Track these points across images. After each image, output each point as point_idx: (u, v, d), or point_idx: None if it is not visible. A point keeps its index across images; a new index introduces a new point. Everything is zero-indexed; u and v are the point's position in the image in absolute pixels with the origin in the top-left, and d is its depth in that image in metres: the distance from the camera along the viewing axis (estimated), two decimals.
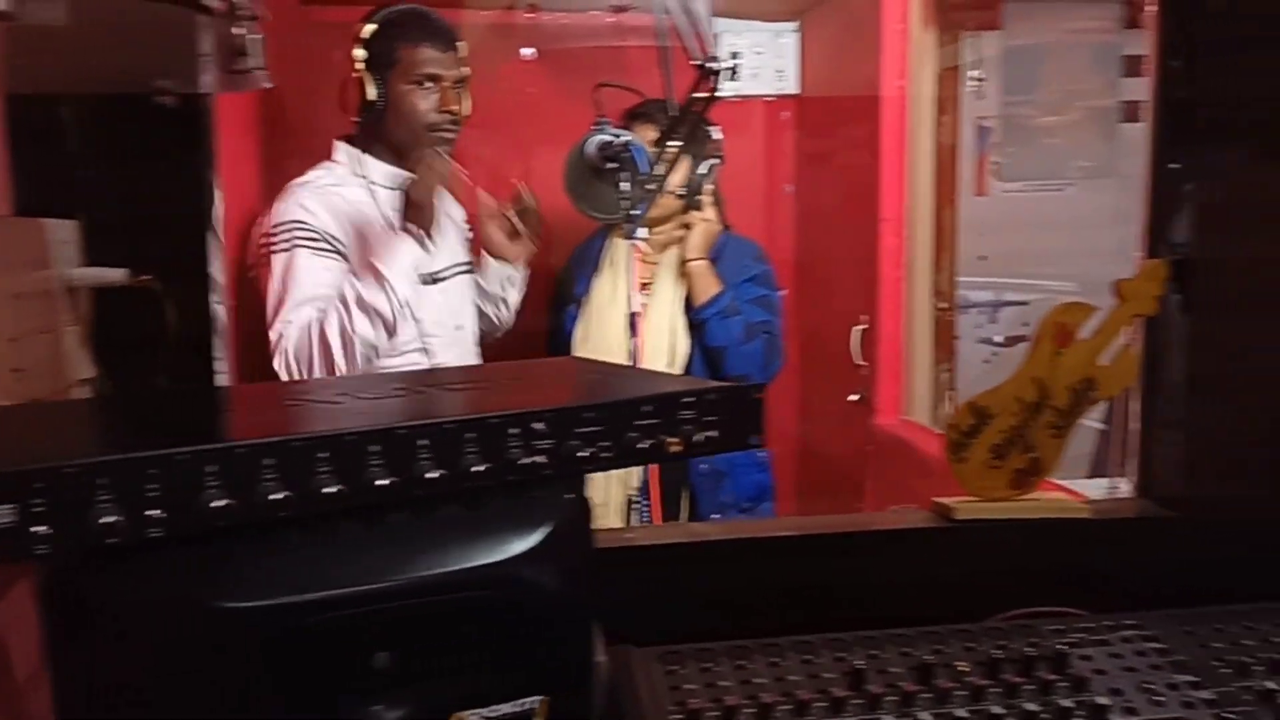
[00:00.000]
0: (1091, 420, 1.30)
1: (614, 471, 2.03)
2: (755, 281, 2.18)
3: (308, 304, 1.74)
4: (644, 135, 1.89)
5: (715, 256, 2.15)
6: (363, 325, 1.73)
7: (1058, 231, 2.23)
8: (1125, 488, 1.26)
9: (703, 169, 2.11)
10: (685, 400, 0.75)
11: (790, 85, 2.69)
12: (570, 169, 1.86)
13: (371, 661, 0.61)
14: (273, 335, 1.74)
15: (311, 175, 1.88)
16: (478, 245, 2.04)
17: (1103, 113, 1.27)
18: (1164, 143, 1.17)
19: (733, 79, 1.41)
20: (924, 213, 2.32)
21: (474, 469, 0.66)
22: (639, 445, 0.73)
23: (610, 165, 1.77)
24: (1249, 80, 1.12)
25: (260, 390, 1.07)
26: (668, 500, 2.11)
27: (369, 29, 1.83)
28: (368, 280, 1.74)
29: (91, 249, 0.94)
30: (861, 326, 2.39)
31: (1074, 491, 1.34)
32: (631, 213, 1.73)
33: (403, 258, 1.77)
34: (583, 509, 0.70)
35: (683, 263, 2.12)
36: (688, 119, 1.54)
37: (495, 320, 2.10)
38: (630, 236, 1.74)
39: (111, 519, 0.56)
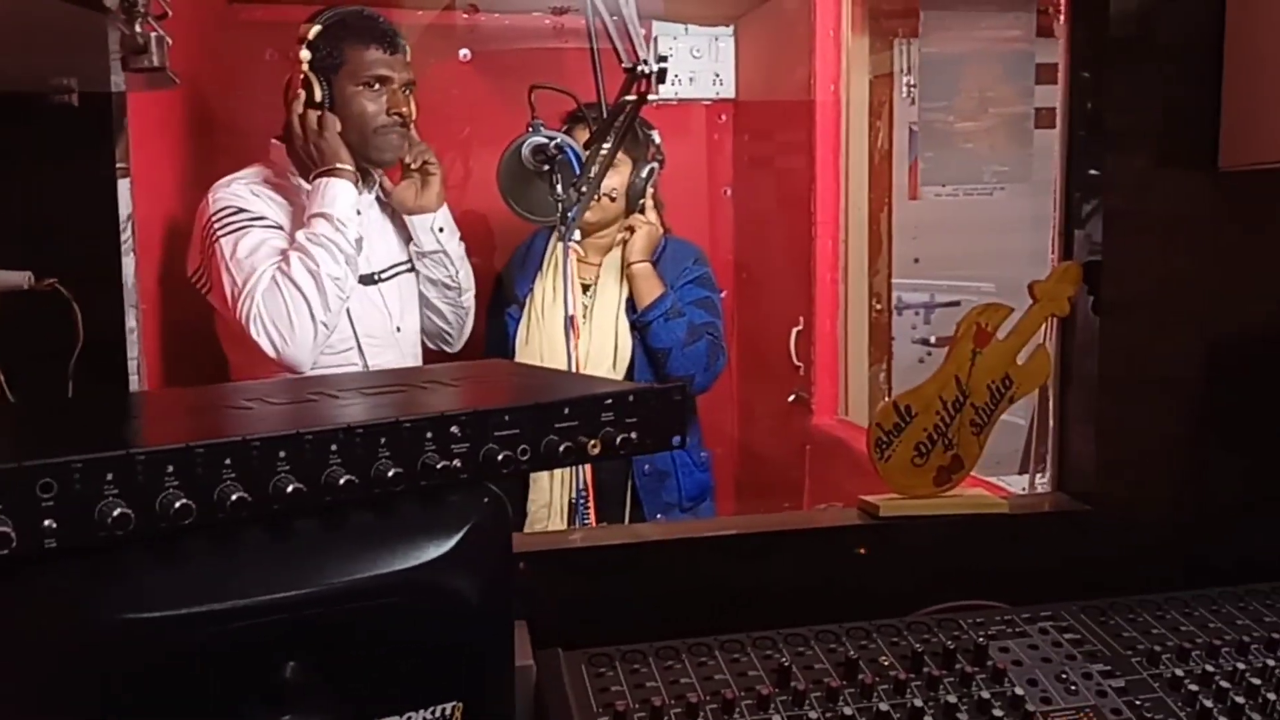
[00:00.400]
0: (1016, 417, 1.33)
1: (558, 474, 2.03)
2: (697, 283, 2.20)
3: (262, 269, 1.71)
4: (582, 138, 1.89)
5: (656, 259, 2.16)
6: (325, 260, 1.71)
7: (987, 234, 2.28)
8: (1046, 483, 1.29)
9: (644, 172, 2.13)
10: (605, 402, 0.75)
11: (728, 89, 2.71)
12: (504, 171, 1.86)
13: (280, 673, 0.60)
14: (241, 314, 1.70)
15: (245, 172, 1.85)
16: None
17: (1018, 119, 1.31)
18: (1074, 149, 1.21)
19: (661, 82, 1.41)
20: (859, 216, 2.35)
21: (388, 474, 0.66)
22: (559, 448, 0.73)
23: (545, 168, 1.77)
24: (1152, 89, 1.16)
25: (171, 396, 1.04)
26: (612, 501, 2.11)
27: (314, 30, 1.81)
28: (315, 222, 1.73)
29: None
30: (799, 328, 2.41)
31: (996, 487, 1.37)
32: (567, 215, 1.73)
33: (340, 197, 1.76)
34: (500, 511, 0.69)
35: (625, 266, 2.12)
36: (619, 122, 1.54)
37: (452, 315, 2.05)
38: (565, 239, 1.73)
39: (3, 529, 0.54)
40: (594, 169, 1.68)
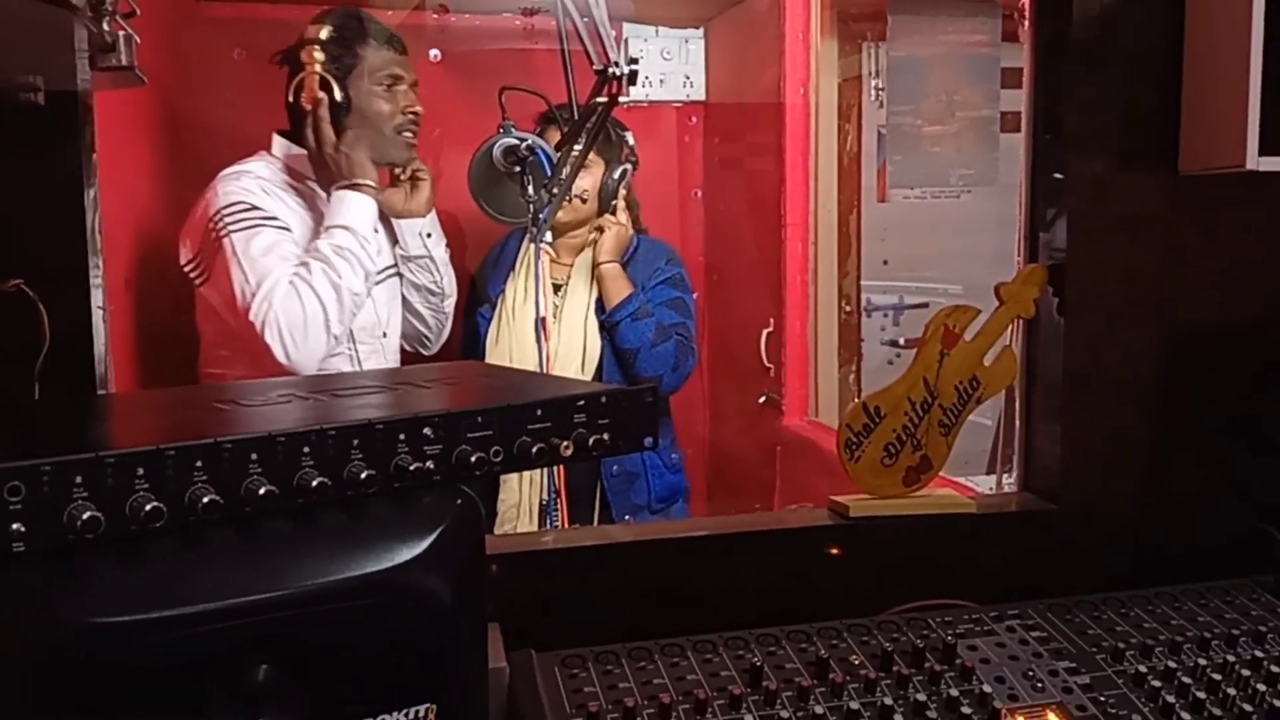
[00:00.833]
0: (983, 418, 1.35)
1: (527, 475, 2.03)
2: (668, 284, 2.20)
3: (279, 273, 1.69)
4: (555, 139, 1.89)
5: (629, 259, 2.17)
6: (348, 273, 1.71)
7: (956, 236, 2.31)
8: (1013, 483, 1.31)
9: (616, 174, 2.13)
10: (578, 404, 0.75)
11: (698, 92, 2.72)
12: (475, 172, 1.86)
13: (252, 676, 0.59)
14: (255, 316, 1.67)
15: (251, 165, 1.83)
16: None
17: (984, 123, 1.32)
18: (1039, 152, 1.23)
19: (632, 84, 1.41)
20: (829, 218, 2.37)
21: (361, 476, 0.65)
22: (532, 449, 0.73)
23: (516, 169, 1.77)
24: (1113, 93, 1.18)
25: (141, 397, 1.03)
26: (581, 503, 2.11)
27: (325, 31, 1.80)
28: (338, 234, 1.72)
29: None
30: (769, 329, 2.43)
31: (964, 487, 1.39)
32: (538, 216, 1.73)
33: (364, 212, 1.76)
34: (473, 512, 0.69)
35: (594, 266, 2.13)
36: (590, 123, 1.54)
37: (433, 319, 2.06)
38: (536, 240, 1.73)
39: None
40: (565, 170, 1.68)
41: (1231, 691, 0.93)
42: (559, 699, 0.89)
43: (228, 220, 1.73)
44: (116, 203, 1.70)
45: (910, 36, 1.28)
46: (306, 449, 0.63)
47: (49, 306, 0.88)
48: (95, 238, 0.93)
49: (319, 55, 1.78)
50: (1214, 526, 1.18)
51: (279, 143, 1.86)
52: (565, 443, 0.74)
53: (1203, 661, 0.96)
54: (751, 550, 1.16)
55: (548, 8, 2.47)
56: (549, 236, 1.75)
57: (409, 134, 1.87)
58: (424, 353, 2.10)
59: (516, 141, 1.77)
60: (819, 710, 0.87)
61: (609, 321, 2.11)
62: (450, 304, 2.07)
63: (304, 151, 1.82)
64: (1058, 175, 1.19)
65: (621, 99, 1.45)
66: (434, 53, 2.47)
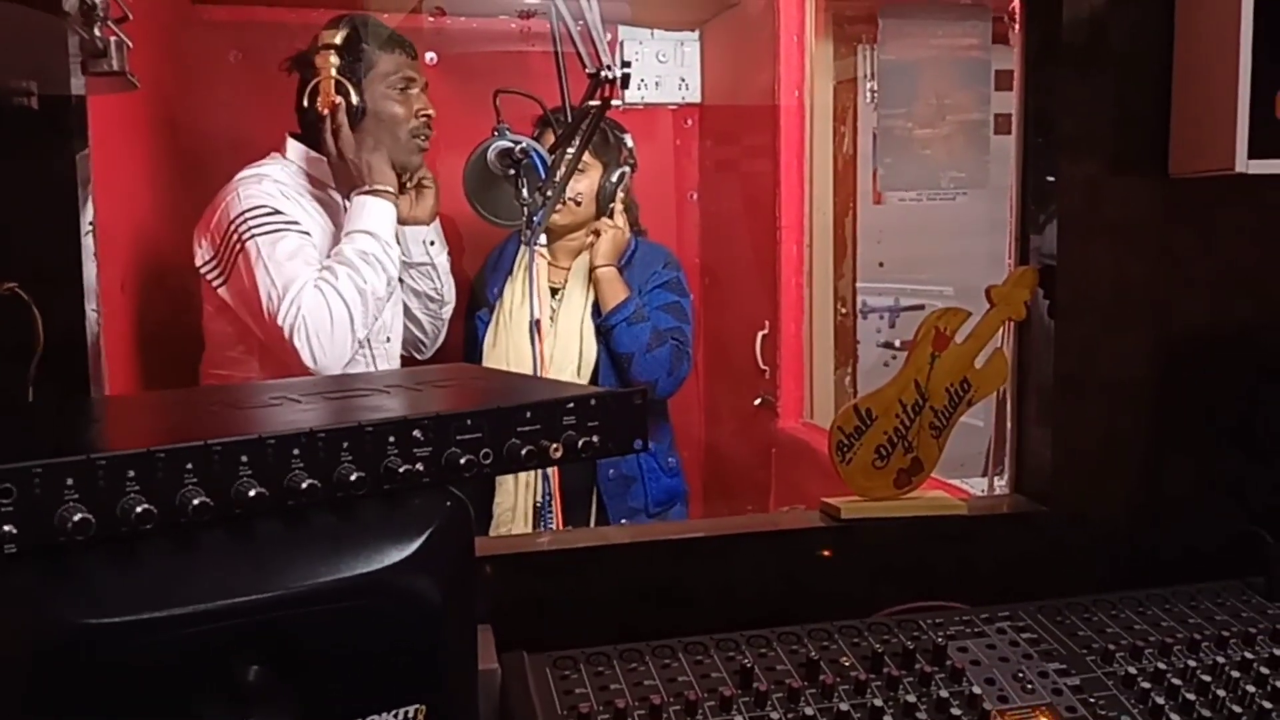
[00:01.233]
0: (979, 420, 1.35)
1: (523, 478, 2.03)
2: (665, 288, 2.21)
3: (306, 277, 1.71)
4: (550, 142, 1.90)
5: (626, 263, 2.17)
6: (373, 278, 1.72)
7: (951, 239, 2.32)
8: (1005, 485, 1.32)
9: (614, 176, 2.14)
10: (567, 406, 0.76)
11: (693, 94, 2.72)
12: (470, 175, 1.86)
13: (242, 677, 0.60)
14: (282, 323, 1.68)
15: (269, 168, 1.83)
16: None
17: (975, 126, 1.33)
18: (1030, 155, 1.23)
19: (625, 87, 1.42)
20: (824, 220, 2.37)
21: (351, 478, 0.66)
22: (521, 451, 0.74)
23: (510, 172, 1.77)
24: (1104, 96, 1.18)
25: (133, 400, 1.04)
26: (577, 506, 2.11)
27: (340, 35, 1.81)
28: (360, 239, 1.74)
29: None
30: (764, 331, 2.43)
31: (955, 489, 1.39)
32: (532, 219, 1.73)
33: (386, 217, 1.77)
34: (462, 514, 0.70)
35: (590, 270, 2.13)
36: (586, 126, 1.55)
37: (430, 325, 2.07)
38: (530, 243, 1.74)
39: None
40: (559, 173, 1.69)
41: (1221, 693, 0.93)
42: (550, 700, 0.89)
43: (251, 224, 1.73)
44: (112, 205, 1.70)
45: (901, 40, 1.29)
46: (296, 451, 0.64)
47: (44, 309, 0.89)
48: (89, 240, 0.93)
49: (333, 60, 1.80)
50: (1205, 529, 1.18)
51: (294, 146, 1.87)
52: (554, 445, 0.75)
53: (1192, 663, 0.96)
54: (743, 552, 1.16)
55: (544, 11, 2.47)
56: (544, 239, 1.75)
57: (422, 137, 1.89)
58: (418, 357, 2.11)
59: (511, 144, 1.78)
60: (809, 711, 0.87)
61: (604, 325, 2.11)
62: (448, 311, 2.09)
63: (320, 156, 1.83)
64: (1050, 178, 1.20)
65: (616, 102, 1.46)
66: (430, 55, 2.47)
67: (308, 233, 1.78)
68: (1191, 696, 0.92)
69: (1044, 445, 1.23)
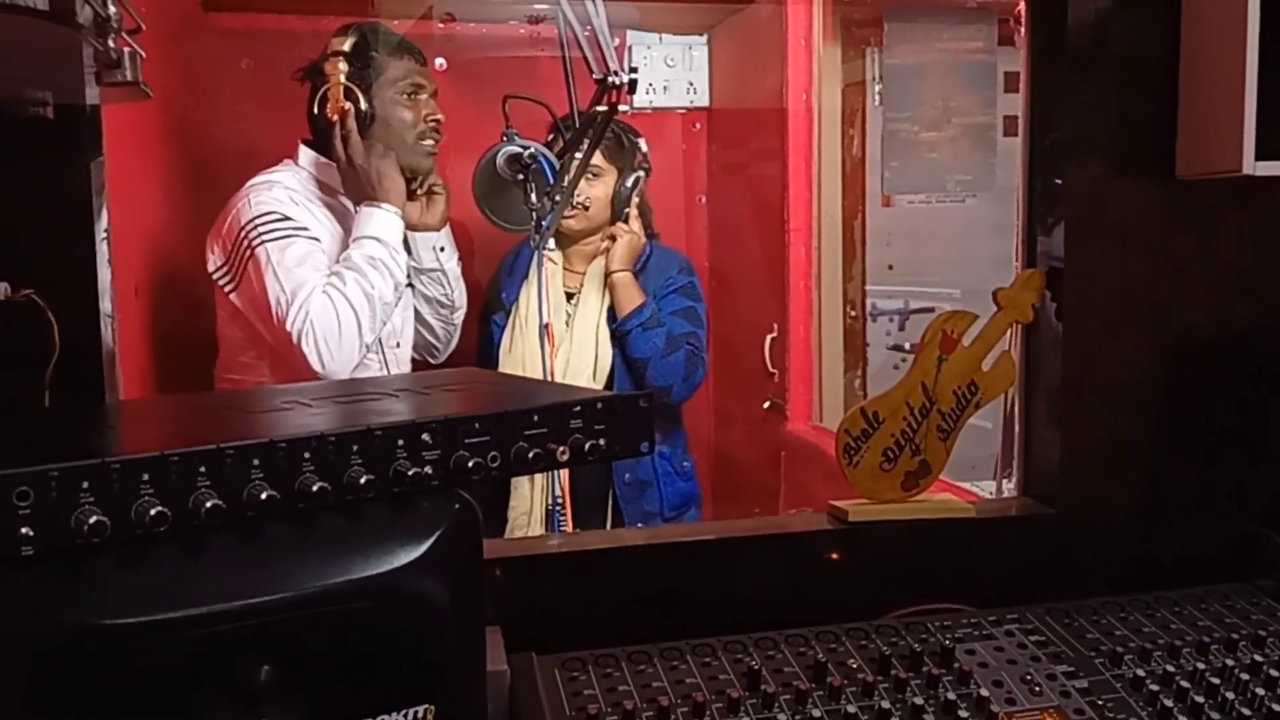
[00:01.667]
0: (982, 422, 1.35)
1: (539, 482, 2.04)
2: (680, 293, 2.21)
3: (314, 283, 1.72)
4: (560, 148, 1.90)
5: (641, 268, 2.17)
6: (380, 284, 1.74)
7: (960, 241, 2.31)
8: (1014, 488, 1.32)
9: (629, 181, 2.14)
10: (574, 409, 0.76)
11: (702, 98, 2.73)
12: (480, 180, 1.87)
13: (252, 678, 0.61)
14: (291, 328, 1.70)
15: (279, 175, 1.85)
16: None
17: (981, 129, 1.33)
18: (1036, 158, 1.23)
19: (632, 92, 1.43)
20: (833, 223, 2.37)
21: (360, 481, 0.67)
22: (529, 454, 0.74)
23: (519, 176, 1.78)
24: (1109, 99, 1.18)
25: (146, 405, 1.05)
26: (593, 509, 2.12)
27: (349, 42, 1.83)
28: (369, 244, 1.76)
29: None
30: (773, 335, 2.43)
31: (963, 491, 1.39)
32: (541, 223, 1.74)
33: (393, 227, 1.79)
34: (470, 517, 0.70)
35: (606, 274, 2.14)
36: (596, 131, 1.56)
37: (442, 331, 2.08)
38: (539, 247, 1.75)
39: None
40: (567, 178, 1.69)
41: (1230, 696, 0.93)
42: (559, 701, 0.90)
43: (261, 230, 1.75)
44: (126, 212, 1.72)
45: (906, 44, 1.29)
46: (307, 454, 0.65)
47: (59, 315, 0.90)
48: (103, 247, 0.95)
49: (343, 67, 1.81)
50: (1211, 531, 1.18)
51: (305, 153, 1.89)
52: (562, 448, 0.75)
53: (1201, 666, 0.96)
54: (751, 555, 1.17)
55: (553, 16, 2.48)
56: (552, 243, 1.76)
57: (430, 142, 1.90)
58: (432, 362, 2.12)
59: (519, 149, 1.79)
60: (816, 714, 0.88)
61: (620, 330, 2.11)
62: (460, 316, 2.10)
63: (330, 162, 1.85)
64: (1056, 180, 1.20)
65: (624, 106, 1.46)
66: (440, 61, 2.48)
67: (317, 239, 1.79)
68: (1200, 699, 0.92)
69: (1052, 448, 1.23)
